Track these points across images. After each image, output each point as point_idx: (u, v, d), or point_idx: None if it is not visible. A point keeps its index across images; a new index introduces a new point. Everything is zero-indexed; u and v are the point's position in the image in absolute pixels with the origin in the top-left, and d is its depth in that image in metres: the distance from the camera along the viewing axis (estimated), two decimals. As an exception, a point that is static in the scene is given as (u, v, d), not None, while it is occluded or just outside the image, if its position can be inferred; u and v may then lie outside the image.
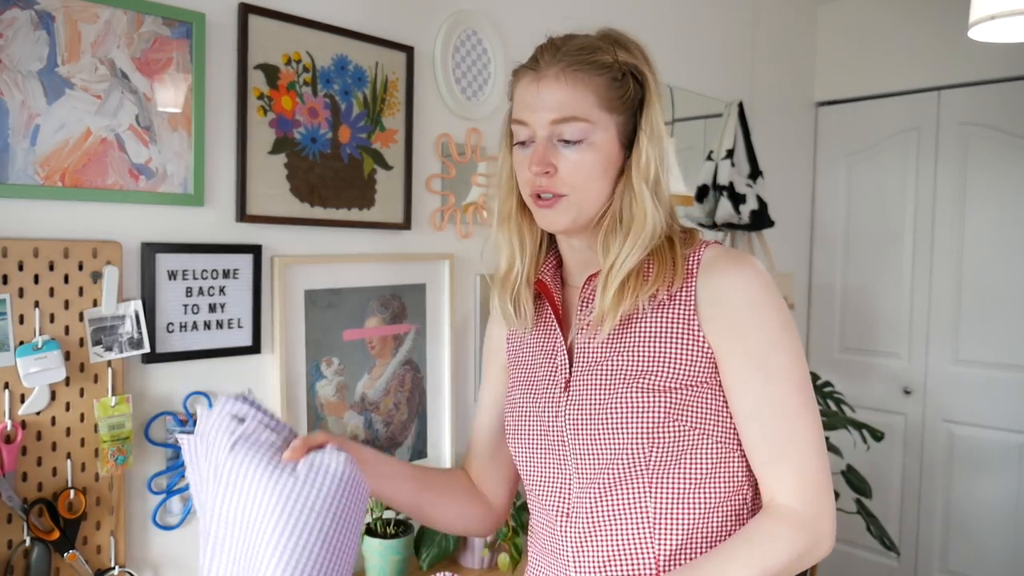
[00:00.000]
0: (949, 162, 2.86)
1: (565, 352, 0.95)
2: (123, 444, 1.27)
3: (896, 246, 3.00)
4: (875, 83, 3.02)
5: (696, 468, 0.87)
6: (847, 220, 3.15)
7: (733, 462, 0.89)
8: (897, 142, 2.99)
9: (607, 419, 0.89)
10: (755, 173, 2.65)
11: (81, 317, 1.24)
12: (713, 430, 0.87)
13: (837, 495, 2.41)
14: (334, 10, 1.57)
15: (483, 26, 1.84)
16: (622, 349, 0.91)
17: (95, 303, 1.25)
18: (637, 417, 0.87)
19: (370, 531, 1.54)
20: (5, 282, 1.16)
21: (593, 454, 0.90)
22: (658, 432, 0.86)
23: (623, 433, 0.87)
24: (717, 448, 0.87)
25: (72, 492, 1.23)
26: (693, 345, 0.87)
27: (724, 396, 0.88)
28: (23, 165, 1.18)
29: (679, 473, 0.87)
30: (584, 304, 0.95)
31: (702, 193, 2.55)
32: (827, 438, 2.52)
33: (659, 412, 0.86)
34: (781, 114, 3.01)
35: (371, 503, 1.56)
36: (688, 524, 0.87)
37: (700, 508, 0.88)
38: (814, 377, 2.72)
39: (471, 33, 1.83)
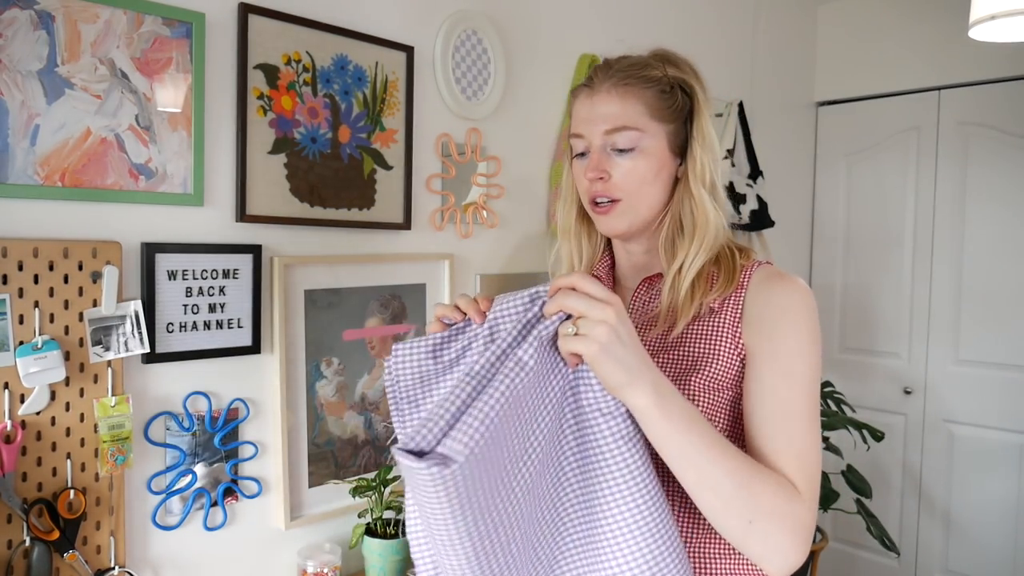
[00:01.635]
0: (949, 162, 2.85)
1: None
2: (123, 444, 1.27)
3: (896, 246, 3.00)
4: (875, 83, 3.02)
5: None
6: (847, 220, 3.15)
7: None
8: (897, 142, 2.99)
9: None
10: (755, 173, 2.65)
11: (81, 317, 1.24)
12: (728, 431, 0.94)
13: (836, 496, 2.41)
14: (334, 10, 1.57)
15: (483, 26, 1.84)
16: (671, 347, 0.96)
17: (95, 303, 1.25)
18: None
19: (370, 531, 1.54)
20: (5, 282, 1.16)
21: None
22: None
23: None
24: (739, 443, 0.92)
25: (72, 492, 1.23)
26: (734, 350, 0.93)
27: (735, 394, 0.93)
28: (23, 165, 1.18)
29: None
30: (636, 304, 1.03)
31: (702, 193, 2.54)
32: (827, 438, 2.53)
33: (699, 407, 0.91)
34: (781, 114, 3.01)
35: (372, 503, 1.56)
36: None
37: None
38: (814, 377, 2.71)
39: (471, 33, 1.83)
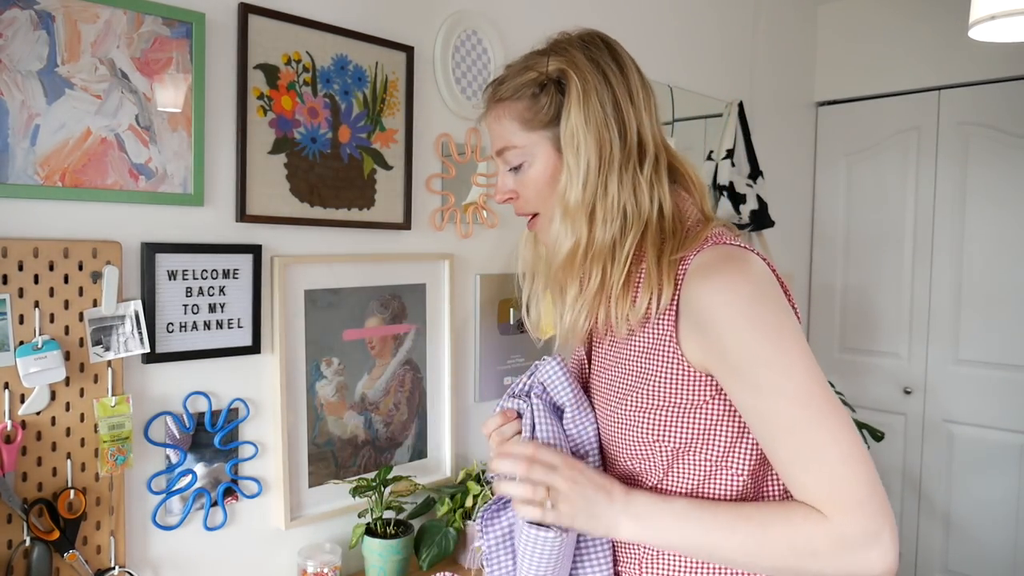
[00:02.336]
0: (949, 162, 2.85)
1: (585, 354, 1.03)
2: (123, 444, 1.27)
3: (896, 246, 3.00)
4: (875, 83, 3.02)
5: (682, 484, 0.88)
6: (847, 220, 3.15)
7: (723, 478, 0.87)
8: (897, 142, 2.99)
9: (607, 430, 0.94)
10: (755, 173, 2.65)
11: (81, 317, 1.24)
12: (703, 446, 0.86)
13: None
14: (334, 10, 1.57)
15: (483, 26, 1.84)
16: (615, 364, 0.93)
17: (95, 303, 1.25)
18: (625, 432, 0.90)
19: (370, 531, 1.54)
20: (5, 282, 1.16)
21: (609, 460, 0.96)
22: (643, 448, 0.89)
23: (620, 445, 0.92)
24: (705, 464, 0.87)
25: (72, 492, 1.23)
26: (674, 366, 0.84)
27: (719, 410, 0.85)
28: (23, 165, 1.18)
29: (666, 488, 0.89)
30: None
31: (702, 193, 2.54)
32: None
33: (643, 430, 0.88)
34: (781, 114, 3.01)
35: (372, 503, 1.56)
36: None
37: None
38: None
39: (471, 33, 1.83)
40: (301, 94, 1.50)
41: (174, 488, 1.37)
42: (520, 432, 0.93)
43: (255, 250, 1.44)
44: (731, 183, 2.52)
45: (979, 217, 2.79)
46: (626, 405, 0.89)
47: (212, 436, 1.41)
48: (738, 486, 0.87)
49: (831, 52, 3.14)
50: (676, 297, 0.84)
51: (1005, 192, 2.73)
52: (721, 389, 0.83)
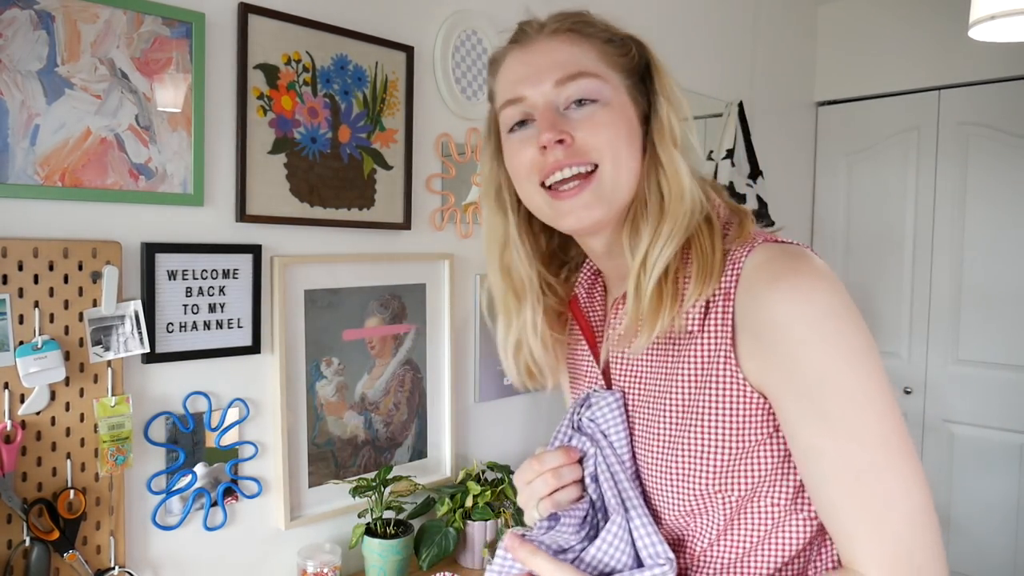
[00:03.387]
0: (949, 162, 2.85)
1: (600, 377, 0.82)
2: (123, 444, 1.27)
3: (896, 246, 3.00)
4: (875, 83, 3.02)
5: (746, 537, 0.71)
6: (847, 220, 3.15)
7: (794, 524, 0.71)
8: (897, 142, 2.99)
9: (652, 481, 0.74)
10: (755, 173, 2.65)
11: (81, 317, 1.24)
12: (776, 493, 0.70)
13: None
14: (334, 10, 1.57)
15: (483, 26, 1.84)
16: (655, 387, 0.75)
17: (95, 303, 1.25)
18: (679, 484, 0.71)
19: (370, 531, 1.54)
20: (5, 282, 1.16)
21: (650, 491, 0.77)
22: (702, 501, 0.71)
23: (670, 499, 0.73)
24: (774, 511, 0.71)
25: (72, 492, 1.23)
26: (735, 391, 0.68)
27: (780, 445, 0.70)
28: (23, 165, 1.18)
29: (725, 544, 0.72)
30: (616, 316, 0.80)
31: (702, 193, 2.54)
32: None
33: (704, 478, 0.70)
34: (781, 114, 3.01)
35: (372, 503, 1.56)
36: None
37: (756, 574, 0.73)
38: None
39: (471, 33, 1.83)
40: (301, 94, 1.50)
41: (174, 488, 1.37)
42: (579, 482, 0.75)
43: (255, 250, 1.44)
44: (731, 183, 2.52)
45: (979, 217, 2.79)
46: (681, 449, 0.71)
47: (212, 436, 1.41)
48: (810, 531, 0.72)
49: (831, 52, 3.14)
50: (731, 305, 0.69)
51: (1005, 192, 2.73)
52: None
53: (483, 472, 1.77)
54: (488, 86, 0.84)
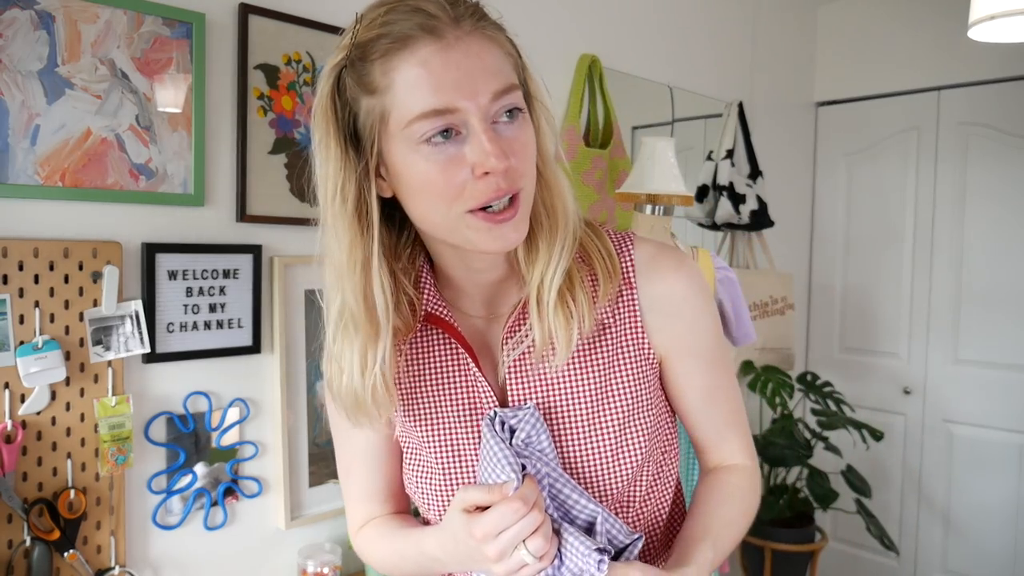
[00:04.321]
0: (949, 162, 2.85)
1: (492, 394, 0.78)
2: (123, 444, 1.27)
3: (896, 246, 3.00)
4: (875, 83, 3.02)
5: (651, 476, 0.81)
6: (847, 220, 3.15)
7: (671, 457, 0.86)
8: (897, 142, 2.99)
9: (570, 471, 0.77)
10: (755, 173, 2.65)
11: (81, 317, 1.24)
12: (664, 441, 0.84)
13: (836, 496, 2.42)
14: (334, 10, 1.57)
15: (483, 26, 1.84)
16: (572, 386, 0.77)
17: (95, 303, 1.25)
18: (608, 466, 0.77)
19: (370, 531, 1.54)
20: (5, 282, 1.16)
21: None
22: (640, 458, 0.78)
23: (612, 468, 0.77)
24: (666, 457, 0.84)
25: (72, 492, 1.23)
26: (645, 364, 0.80)
27: (662, 398, 0.84)
28: (23, 165, 1.18)
29: (650, 500, 0.83)
30: (514, 334, 0.77)
31: (702, 193, 2.55)
32: (827, 438, 2.53)
33: (636, 456, 0.78)
34: (781, 114, 3.01)
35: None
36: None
37: (663, 512, 0.86)
38: (814, 377, 2.72)
39: (471, 33, 1.82)
40: (301, 94, 1.50)
41: (174, 488, 1.37)
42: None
43: (255, 250, 1.44)
44: (731, 183, 2.52)
45: (979, 217, 2.79)
46: (613, 425, 0.77)
47: (212, 436, 1.41)
48: (677, 465, 0.88)
49: (831, 52, 3.14)
50: (635, 291, 0.79)
51: (1005, 192, 2.73)
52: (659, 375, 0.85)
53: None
54: (367, 68, 0.67)
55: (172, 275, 1.34)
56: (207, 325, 1.39)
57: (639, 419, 0.79)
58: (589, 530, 0.73)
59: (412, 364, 0.81)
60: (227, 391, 1.44)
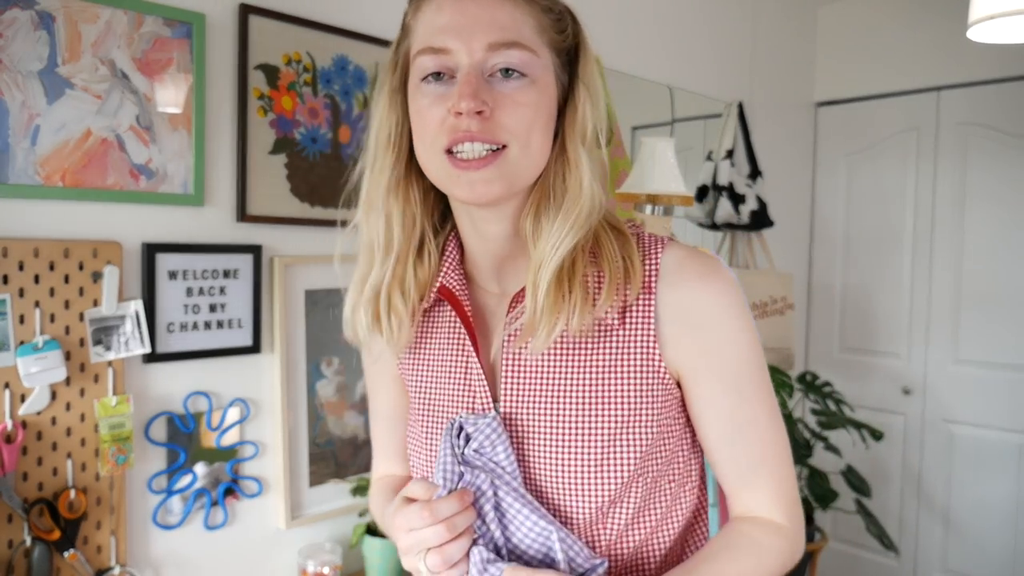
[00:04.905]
0: (949, 162, 2.85)
1: (483, 377, 0.76)
2: (123, 444, 1.27)
3: (896, 246, 3.00)
4: (875, 83, 3.02)
5: (649, 518, 0.75)
6: (847, 220, 3.15)
7: (683, 500, 0.78)
8: (897, 142, 2.99)
9: (549, 473, 0.72)
10: (755, 173, 2.65)
11: (81, 317, 1.24)
12: (673, 471, 0.76)
13: (836, 495, 2.42)
14: (334, 10, 1.57)
15: (483, 26, 1.84)
16: (565, 383, 0.73)
17: (95, 303, 1.25)
18: (590, 477, 0.71)
19: (370, 531, 1.54)
20: (5, 282, 1.16)
21: (551, 497, 0.74)
22: (616, 491, 0.71)
23: (573, 493, 0.71)
24: (670, 488, 0.76)
25: (72, 492, 1.23)
26: (653, 378, 0.72)
27: (681, 424, 0.76)
28: (23, 165, 1.18)
29: (638, 528, 0.74)
30: (513, 311, 0.75)
31: (702, 193, 2.55)
32: (827, 438, 2.53)
33: (620, 469, 0.71)
34: (781, 114, 3.01)
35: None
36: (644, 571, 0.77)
37: (657, 553, 0.76)
38: (813, 377, 2.72)
39: (471, 33, 1.83)
40: (301, 94, 1.50)
41: (174, 488, 1.37)
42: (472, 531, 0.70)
43: (255, 250, 1.44)
44: (731, 183, 2.52)
45: (978, 217, 2.79)
46: (600, 440, 0.71)
47: (212, 436, 1.41)
48: (693, 502, 0.79)
49: (831, 52, 3.14)
50: (653, 298, 0.72)
51: (1004, 192, 2.73)
52: (682, 397, 0.76)
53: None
54: (405, 16, 0.75)
55: (172, 275, 1.34)
56: (207, 325, 1.39)
57: (630, 437, 0.71)
58: (544, 555, 0.70)
59: (422, 337, 0.82)
60: (227, 391, 1.44)
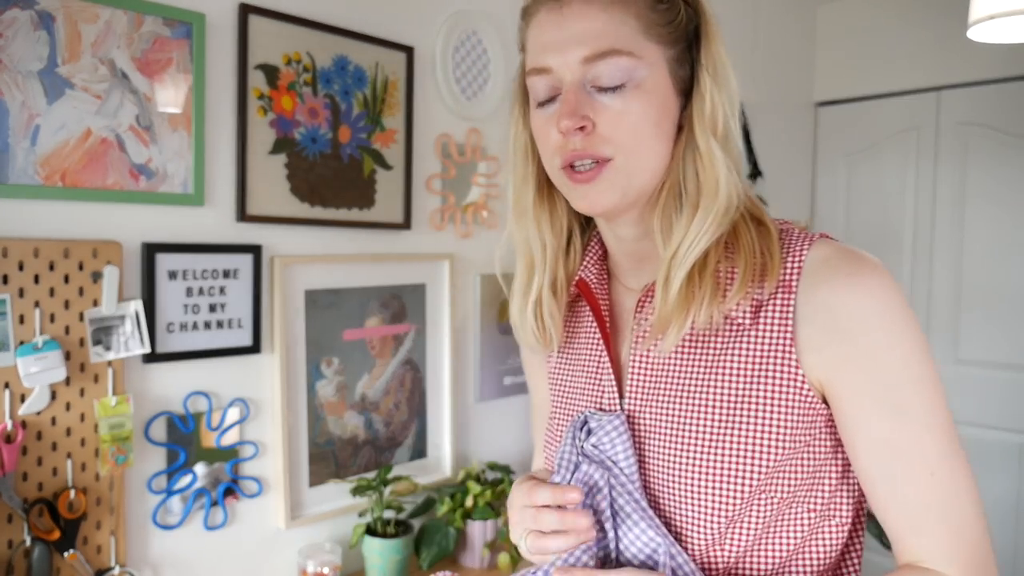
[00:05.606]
0: (949, 162, 2.85)
1: (611, 374, 0.76)
2: (123, 444, 1.27)
3: (896, 246, 3.00)
4: (875, 83, 3.02)
5: (781, 547, 0.67)
6: (847, 220, 3.15)
7: (827, 531, 0.69)
8: (897, 142, 2.99)
9: (667, 479, 0.69)
10: (755, 173, 2.65)
11: (81, 317, 1.24)
12: (814, 499, 0.67)
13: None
14: (334, 10, 1.57)
15: (483, 26, 1.84)
16: (691, 385, 0.69)
17: (95, 303, 1.25)
18: (709, 487, 0.66)
19: (370, 531, 1.54)
20: (5, 282, 1.16)
21: (668, 510, 0.70)
22: (737, 506, 0.65)
23: (689, 503, 0.67)
24: (809, 516, 0.68)
25: (72, 492, 1.23)
26: (788, 385, 0.65)
27: (828, 447, 0.68)
28: (23, 165, 1.18)
29: (760, 555, 0.67)
30: (642, 310, 0.74)
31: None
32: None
33: (747, 479, 0.65)
34: (781, 114, 3.01)
35: (372, 503, 1.56)
36: None
37: None
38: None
39: (471, 33, 1.83)
40: (301, 94, 1.50)
41: (174, 488, 1.37)
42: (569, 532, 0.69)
43: (255, 250, 1.44)
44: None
45: (979, 217, 2.79)
46: (723, 449, 0.66)
47: (212, 436, 1.41)
48: (840, 540, 0.70)
49: (831, 52, 3.14)
50: (793, 297, 0.66)
51: (1005, 192, 2.73)
52: (830, 416, 0.67)
53: (483, 472, 1.77)
54: (520, 34, 0.77)
55: (172, 275, 1.34)
56: (207, 325, 1.39)
57: (756, 448, 0.65)
58: (649, 565, 0.69)
59: (568, 330, 0.83)
60: (227, 391, 1.44)
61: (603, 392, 0.76)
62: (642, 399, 0.72)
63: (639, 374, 0.74)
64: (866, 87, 3.05)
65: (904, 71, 2.94)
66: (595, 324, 0.79)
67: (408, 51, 1.68)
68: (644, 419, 0.72)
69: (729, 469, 0.66)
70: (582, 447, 0.71)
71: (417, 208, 1.74)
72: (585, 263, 0.79)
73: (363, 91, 1.61)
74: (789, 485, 0.66)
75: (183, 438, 1.38)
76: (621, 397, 0.75)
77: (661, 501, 0.69)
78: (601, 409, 0.76)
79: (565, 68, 0.68)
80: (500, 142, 1.93)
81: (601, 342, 0.77)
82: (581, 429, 0.73)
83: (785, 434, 0.65)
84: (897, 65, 2.95)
